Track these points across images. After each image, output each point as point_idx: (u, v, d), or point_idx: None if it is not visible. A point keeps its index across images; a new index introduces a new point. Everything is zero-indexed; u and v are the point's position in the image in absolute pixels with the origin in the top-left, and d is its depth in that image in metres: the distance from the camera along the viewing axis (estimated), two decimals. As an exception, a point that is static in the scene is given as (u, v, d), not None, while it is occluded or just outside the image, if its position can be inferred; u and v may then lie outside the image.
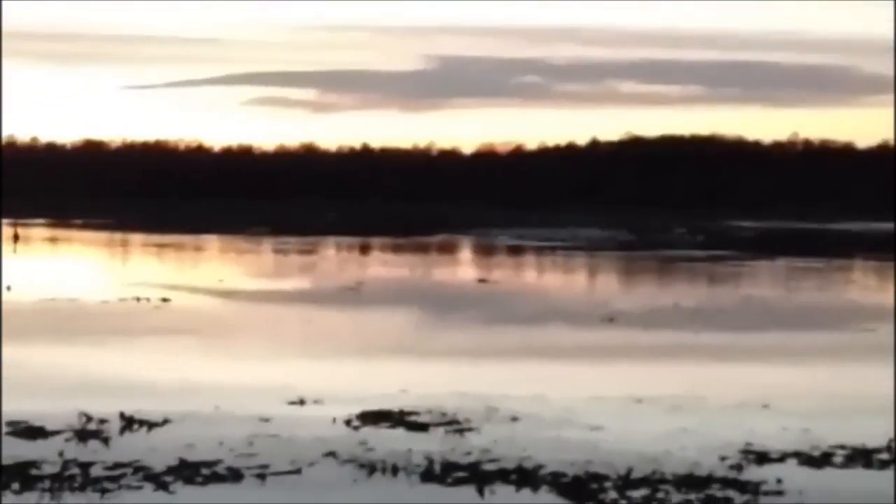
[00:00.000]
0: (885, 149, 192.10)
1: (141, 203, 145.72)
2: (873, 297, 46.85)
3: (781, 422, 19.51)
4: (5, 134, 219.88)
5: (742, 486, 15.20)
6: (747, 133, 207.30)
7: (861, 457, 17.13)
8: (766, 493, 14.91)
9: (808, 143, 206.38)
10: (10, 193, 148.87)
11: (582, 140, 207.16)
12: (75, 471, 15.42)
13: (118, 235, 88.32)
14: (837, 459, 17.00)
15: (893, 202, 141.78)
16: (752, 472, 16.07)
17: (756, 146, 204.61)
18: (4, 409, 19.21)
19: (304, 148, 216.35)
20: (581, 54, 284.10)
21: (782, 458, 16.95)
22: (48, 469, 15.47)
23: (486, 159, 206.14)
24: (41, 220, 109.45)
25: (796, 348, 30.90)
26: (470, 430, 18.60)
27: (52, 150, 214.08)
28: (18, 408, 19.26)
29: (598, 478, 15.46)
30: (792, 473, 16.10)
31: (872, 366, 26.96)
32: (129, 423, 18.51)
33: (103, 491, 14.63)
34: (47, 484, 14.78)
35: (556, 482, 15.31)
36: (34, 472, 15.32)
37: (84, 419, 18.54)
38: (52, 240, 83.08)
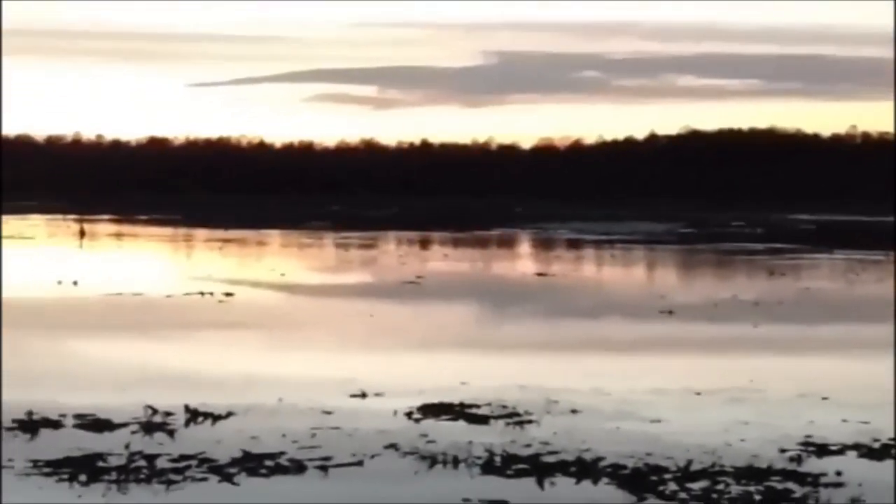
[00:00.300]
0: None
1: (204, 199, 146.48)
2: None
3: (841, 414, 19.43)
4: (72, 131, 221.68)
5: (802, 479, 15.15)
6: (806, 126, 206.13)
7: (921, 449, 17.05)
8: (826, 486, 14.83)
9: (866, 136, 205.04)
10: (76, 189, 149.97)
11: (640, 134, 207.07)
12: (141, 463, 15.54)
13: (182, 231, 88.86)
14: (898, 450, 16.93)
15: None
16: (812, 465, 16.01)
17: (815, 139, 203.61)
18: (72, 402, 19.39)
19: (364, 144, 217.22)
20: (639, 49, 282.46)
21: (842, 450, 16.89)
22: (114, 461, 15.60)
23: (546, 154, 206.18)
24: (107, 216, 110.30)
25: (856, 341, 30.73)
26: (530, 422, 18.61)
27: (118, 147, 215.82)
28: (85, 401, 19.44)
29: (658, 470, 15.46)
30: (852, 465, 16.03)
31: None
32: (193, 415, 18.64)
33: (169, 483, 14.74)
34: (114, 476, 14.91)
35: (616, 474, 15.31)
36: (101, 464, 15.46)
37: (150, 412, 18.69)
38: (118, 235, 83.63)
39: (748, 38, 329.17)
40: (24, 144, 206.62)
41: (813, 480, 15.05)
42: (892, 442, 17.42)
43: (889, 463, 16.41)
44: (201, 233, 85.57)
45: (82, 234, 79.36)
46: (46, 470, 15.14)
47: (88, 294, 39.17)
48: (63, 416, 18.31)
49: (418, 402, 19.82)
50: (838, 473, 15.43)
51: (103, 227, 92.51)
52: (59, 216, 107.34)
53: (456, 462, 15.91)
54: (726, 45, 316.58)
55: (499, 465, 15.77)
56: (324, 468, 15.58)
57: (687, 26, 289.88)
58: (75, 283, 42.11)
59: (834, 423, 18.71)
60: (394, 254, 66.70)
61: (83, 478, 14.80)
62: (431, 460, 16.03)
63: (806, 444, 17.16)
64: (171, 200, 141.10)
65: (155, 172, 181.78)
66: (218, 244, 72.53)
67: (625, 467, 15.60)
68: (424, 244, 77.45)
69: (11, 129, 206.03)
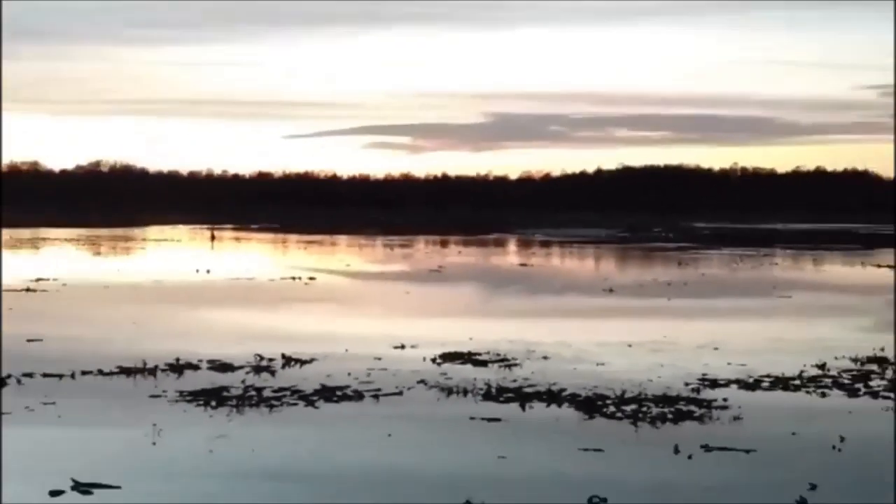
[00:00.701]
0: (797, 174, 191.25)
1: (295, 214, 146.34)
2: (790, 275, 46.45)
3: (727, 359, 19.49)
4: (205, 168, 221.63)
5: (700, 403, 15.28)
6: (703, 163, 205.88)
7: (781, 382, 17.13)
8: (716, 408, 14.92)
9: (745, 170, 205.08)
10: (208, 207, 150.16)
11: (590, 169, 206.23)
12: (252, 393, 15.72)
13: (280, 236, 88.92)
14: (765, 384, 17.02)
15: (803, 211, 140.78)
16: (707, 393, 16.11)
17: (709, 172, 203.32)
18: (205, 351, 19.48)
19: (403, 176, 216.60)
20: (590, 111, 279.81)
21: (727, 383, 16.97)
22: (234, 392, 15.75)
23: (527, 183, 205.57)
24: (229, 226, 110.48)
25: (737, 308, 30.69)
26: (515, 365, 18.69)
27: (236, 178, 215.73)
28: (215, 351, 19.57)
29: (602, 397, 15.56)
30: (734, 394, 16.13)
31: (790, 321, 26.83)
32: (288, 360, 18.77)
33: (271, 406, 14.87)
34: (234, 402, 15.05)
35: (574, 400, 15.43)
36: (225, 394, 15.59)
37: (258, 358, 18.81)
38: (237, 239, 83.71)
39: (665, 102, 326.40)
40: (173, 178, 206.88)
41: (707, 405, 15.15)
42: (763, 378, 17.49)
43: (758, 392, 16.48)
44: (293, 237, 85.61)
45: (213, 238, 79.55)
46: (189, 398, 15.30)
47: (216, 278, 39.34)
48: (200, 361, 18.47)
49: (439, 351, 19.92)
50: (724, 400, 15.55)
51: (227, 234, 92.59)
52: (197, 226, 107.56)
53: (465, 392, 16.03)
54: (650, 108, 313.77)
55: (494, 394, 15.90)
56: (376, 396, 15.71)
57: (622, 95, 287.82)
58: (208, 271, 42.30)
59: (722, 365, 18.77)
60: (423, 251, 66.70)
61: (213, 403, 14.96)
62: (448, 391, 16.16)
63: (703, 379, 17.25)
64: (272, 215, 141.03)
65: (261, 195, 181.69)
66: (304, 244, 72.63)
67: (580, 395, 15.69)
68: (444, 244, 77.39)
69: (165, 167, 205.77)
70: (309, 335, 22.61)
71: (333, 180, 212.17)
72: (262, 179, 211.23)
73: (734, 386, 16.72)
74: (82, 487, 10.91)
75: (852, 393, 16.34)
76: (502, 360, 19.07)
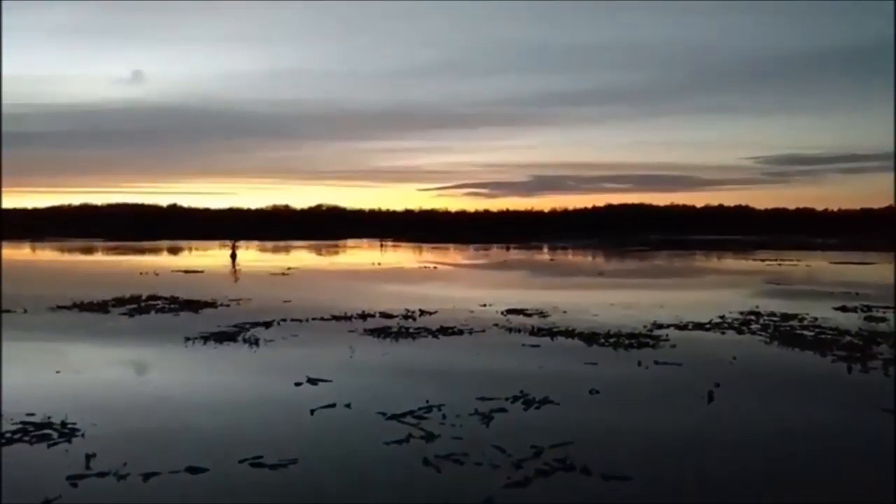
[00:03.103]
0: (707, 208, 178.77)
1: (425, 233, 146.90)
2: (703, 265, 44.94)
3: (669, 313, 18.99)
4: (377, 207, 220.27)
5: (652, 337, 14.91)
6: (653, 202, 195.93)
7: (699, 326, 16.64)
8: (662, 340, 14.57)
9: (676, 206, 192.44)
10: (380, 231, 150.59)
11: (589, 206, 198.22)
12: (403, 330, 15.80)
13: (417, 245, 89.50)
14: (690, 327, 16.55)
15: (711, 229, 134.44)
16: (656, 332, 15.71)
17: (656, 207, 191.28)
18: (377, 307, 19.56)
19: (484, 211, 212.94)
20: (588, 173, 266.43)
21: (668, 326, 16.54)
22: (393, 329, 15.87)
23: (553, 214, 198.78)
24: (390, 240, 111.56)
25: (673, 283, 29.79)
26: (547, 315, 18.49)
27: (393, 213, 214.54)
28: (382, 307, 19.72)
29: (596, 334, 15.29)
30: (672, 332, 15.71)
31: (703, 290, 25.94)
32: (422, 312, 18.84)
33: (413, 337, 14.95)
34: (393, 335, 15.16)
35: (581, 335, 15.19)
36: (388, 330, 15.72)
37: (405, 311, 18.92)
38: (395, 247, 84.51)
39: (631, 167, 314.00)
40: (361, 213, 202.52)
41: (656, 338, 14.80)
42: (689, 323, 16.96)
43: (685, 332, 15.98)
44: (425, 245, 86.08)
45: (382, 246, 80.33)
46: (369, 332, 15.48)
47: (384, 267, 39.69)
48: (374, 312, 18.65)
49: (505, 308, 19.82)
50: (666, 336, 15.17)
51: (389, 244, 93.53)
52: (374, 240, 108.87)
53: (520, 331, 15.91)
54: (622, 171, 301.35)
55: (536, 331, 15.76)
56: (471, 332, 15.68)
57: (605, 164, 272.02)
58: (379, 263, 42.77)
59: (665, 316, 18.31)
60: (496, 253, 66.46)
61: (382, 335, 15.11)
62: (510, 329, 16.06)
63: (654, 324, 16.84)
64: (413, 234, 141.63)
65: (407, 223, 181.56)
66: (430, 250, 72.94)
67: (584, 332, 15.47)
68: (507, 249, 76.97)
69: (356, 207, 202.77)
70: (434, 298, 22.77)
71: (446, 214, 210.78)
72: (407, 214, 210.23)
73: (672, 328, 16.30)
74: (312, 380, 11.18)
75: (740, 332, 15.84)
76: (540, 313, 18.87)
